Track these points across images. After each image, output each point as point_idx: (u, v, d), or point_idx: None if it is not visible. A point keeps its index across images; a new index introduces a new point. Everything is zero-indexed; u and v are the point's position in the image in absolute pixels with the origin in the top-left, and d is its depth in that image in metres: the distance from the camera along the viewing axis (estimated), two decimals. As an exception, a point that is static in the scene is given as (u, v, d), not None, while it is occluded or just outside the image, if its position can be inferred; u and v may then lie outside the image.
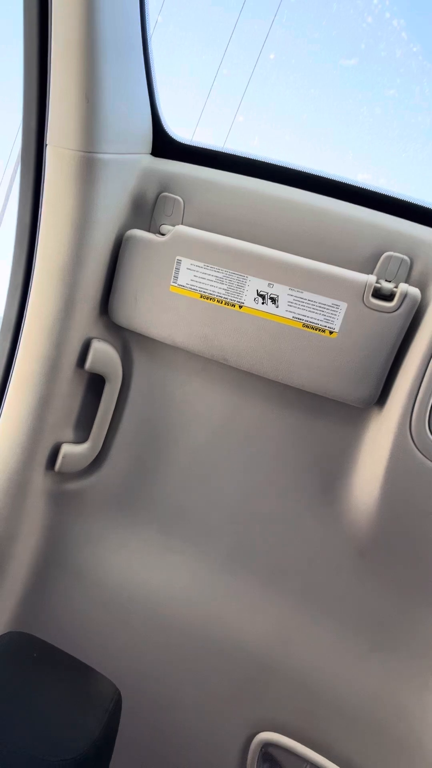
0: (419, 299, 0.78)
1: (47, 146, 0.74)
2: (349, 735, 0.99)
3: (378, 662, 0.97)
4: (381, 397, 0.85)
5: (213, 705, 1.04)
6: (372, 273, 0.81)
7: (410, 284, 0.80)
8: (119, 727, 0.88)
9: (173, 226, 0.85)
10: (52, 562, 1.05)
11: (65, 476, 1.00)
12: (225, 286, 0.83)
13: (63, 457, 0.94)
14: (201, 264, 0.83)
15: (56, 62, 0.70)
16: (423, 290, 0.80)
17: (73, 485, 1.01)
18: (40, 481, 0.96)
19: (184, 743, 1.07)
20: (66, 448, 0.94)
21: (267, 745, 1.03)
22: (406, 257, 0.80)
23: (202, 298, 0.84)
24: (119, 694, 0.87)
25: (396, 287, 0.79)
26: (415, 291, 0.78)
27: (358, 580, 0.95)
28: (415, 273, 0.81)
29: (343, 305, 0.80)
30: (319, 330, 0.81)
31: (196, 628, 1.03)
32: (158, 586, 1.04)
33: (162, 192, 0.86)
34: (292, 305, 0.81)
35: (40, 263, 0.81)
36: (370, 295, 0.79)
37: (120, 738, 0.88)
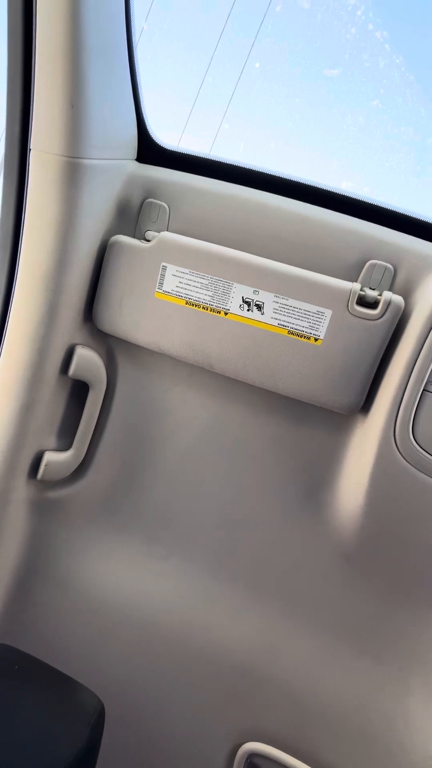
0: (403, 307, 0.79)
1: (31, 151, 0.74)
2: (336, 743, 0.99)
3: (363, 668, 0.97)
4: (365, 404, 0.85)
5: (198, 715, 1.03)
6: (356, 281, 0.82)
7: (394, 292, 0.81)
8: (102, 740, 0.86)
9: (158, 232, 0.84)
10: (34, 572, 1.03)
11: (48, 484, 0.98)
12: (210, 293, 0.83)
13: (46, 465, 0.93)
14: (186, 270, 0.83)
15: (41, 67, 0.70)
16: (406, 298, 0.80)
17: (56, 494, 1.00)
18: (22, 489, 0.95)
19: (168, 755, 1.06)
20: (49, 456, 0.93)
21: (252, 756, 1.02)
22: (389, 265, 0.81)
23: (187, 305, 0.84)
24: (102, 706, 0.86)
25: (380, 295, 0.79)
26: (398, 299, 0.79)
27: (343, 586, 0.95)
28: (398, 281, 0.82)
29: (328, 312, 0.80)
30: (305, 337, 0.82)
31: (181, 636, 1.02)
32: (143, 595, 1.03)
33: (147, 198, 0.85)
34: (277, 312, 0.81)
35: (23, 269, 0.80)
36: (355, 302, 0.79)
37: (103, 750, 0.87)
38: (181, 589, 1.02)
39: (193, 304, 0.84)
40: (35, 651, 0.93)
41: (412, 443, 0.81)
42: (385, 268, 0.81)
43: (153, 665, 1.03)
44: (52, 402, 0.91)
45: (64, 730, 0.79)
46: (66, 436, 0.96)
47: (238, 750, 1.02)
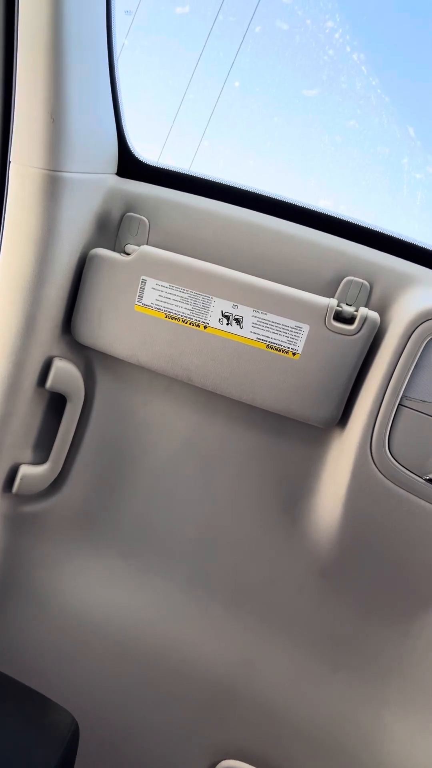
0: (378, 323, 0.80)
1: (11, 163, 0.74)
2: (312, 759, 0.98)
3: (339, 683, 0.97)
4: (343, 418, 0.86)
5: (174, 732, 1.02)
6: (333, 297, 0.83)
7: (370, 308, 0.82)
8: (77, 759, 0.85)
9: (138, 246, 0.85)
10: (8, 588, 1.01)
11: (23, 498, 0.97)
12: (190, 307, 0.83)
13: (21, 479, 0.92)
14: (166, 284, 0.83)
15: (22, 79, 0.70)
16: (382, 314, 0.82)
17: (31, 508, 0.98)
18: (-3, 503, 0.93)
19: None
20: (24, 470, 0.92)
21: (228, 773, 1.01)
22: (365, 282, 0.82)
23: (167, 318, 0.84)
24: (76, 725, 0.85)
25: (356, 311, 0.80)
26: (374, 315, 0.80)
27: (319, 600, 0.95)
28: (374, 297, 0.83)
29: (306, 327, 0.81)
30: (283, 351, 0.82)
31: (156, 652, 1.01)
32: (119, 610, 1.01)
33: (127, 212, 0.86)
34: (256, 326, 0.82)
35: (1, 281, 0.80)
36: (332, 318, 0.80)
37: (76, 771, 0.85)
38: (158, 605, 1.01)
39: (172, 318, 0.84)
40: (7, 668, 0.91)
41: (387, 457, 0.82)
42: (362, 284, 0.82)
43: (129, 682, 1.02)
44: (29, 414, 0.90)
45: (37, 751, 0.77)
46: (42, 449, 0.95)
47: (214, 768, 1.01)
